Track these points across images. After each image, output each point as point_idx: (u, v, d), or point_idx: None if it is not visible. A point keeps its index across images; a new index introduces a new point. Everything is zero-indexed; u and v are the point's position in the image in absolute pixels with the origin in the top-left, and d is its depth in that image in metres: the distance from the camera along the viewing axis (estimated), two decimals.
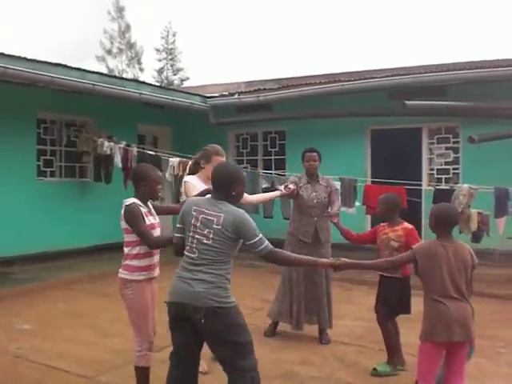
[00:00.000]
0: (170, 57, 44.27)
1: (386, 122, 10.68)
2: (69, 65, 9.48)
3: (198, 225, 3.44)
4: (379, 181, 9.59)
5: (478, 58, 11.83)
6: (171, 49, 44.22)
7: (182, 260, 3.56)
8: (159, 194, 4.20)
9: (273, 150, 12.35)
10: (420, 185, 9.84)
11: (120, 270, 4.10)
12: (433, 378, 3.68)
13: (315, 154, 6.03)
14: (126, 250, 4.09)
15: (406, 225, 4.97)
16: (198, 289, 3.33)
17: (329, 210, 5.80)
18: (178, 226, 3.63)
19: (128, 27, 42.67)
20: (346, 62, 48.51)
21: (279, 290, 6.05)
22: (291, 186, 5.68)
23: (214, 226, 3.39)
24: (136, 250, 4.01)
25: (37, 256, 9.72)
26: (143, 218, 3.99)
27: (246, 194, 5.08)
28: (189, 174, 5.12)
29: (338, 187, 6.23)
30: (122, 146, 10.23)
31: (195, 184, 4.79)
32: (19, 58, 8.62)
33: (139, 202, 4.03)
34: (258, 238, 3.41)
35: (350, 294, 8.03)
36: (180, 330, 3.46)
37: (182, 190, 5.00)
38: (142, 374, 4.05)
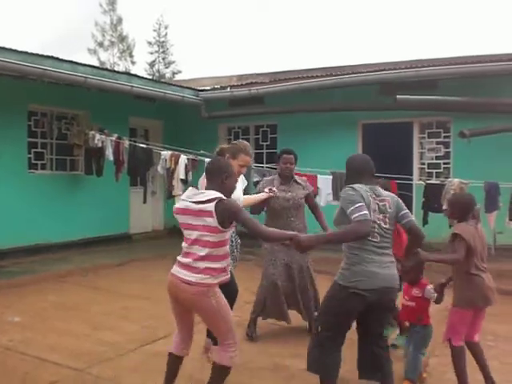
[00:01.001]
0: (161, 50, 44.13)
1: (377, 116, 10.71)
2: (60, 57, 9.44)
3: (376, 209, 3.58)
4: None
5: (469, 52, 11.88)
6: (163, 42, 44.09)
7: (361, 244, 3.56)
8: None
9: (264, 143, 12.35)
10: (411, 179, 9.89)
11: (197, 275, 3.57)
12: (463, 336, 4.23)
13: (292, 156, 5.83)
14: (206, 251, 3.57)
15: None
16: (393, 271, 3.62)
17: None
18: (364, 204, 3.52)
19: (120, 20, 42.51)
20: (338, 56, 48.59)
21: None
22: (274, 189, 5.58)
23: (389, 210, 3.64)
24: (222, 251, 3.62)
25: (28, 248, 9.71)
26: None
27: (243, 196, 5.13)
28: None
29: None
30: (113, 138, 10.19)
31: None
32: (10, 50, 8.57)
33: None
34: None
35: None
36: (355, 314, 3.64)
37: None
38: (227, 373, 3.78)
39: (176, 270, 3.67)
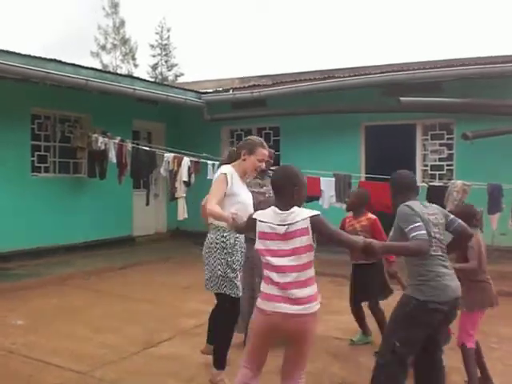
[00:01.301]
0: (164, 52, 44.29)
1: (380, 118, 10.69)
2: (62, 60, 9.46)
3: (431, 224, 3.63)
4: (373, 177, 9.62)
5: (473, 54, 11.86)
6: (165, 44, 44.23)
7: (430, 260, 3.59)
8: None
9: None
10: None
11: (308, 306, 3.14)
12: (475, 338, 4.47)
13: (273, 151, 5.82)
14: (307, 273, 3.18)
15: (370, 215, 5.37)
16: (457, 282, 3.69)
17: None
18: (422, 224, 3.52)
19: (122, 23, 42.73)
20: (341, 58, 48.69)
21: None
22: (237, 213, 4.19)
23: (441, 221, 3.72)
24: (314, 271, 3.24)
25: (31, 252, 9.70)
26: None
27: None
28: (226, 163, 4.63)
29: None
30: (116, 141, 10.21)
31: (232, 178, 4.36)
32: (12, 53, 8.59)
33: None
34: None
35: (342, 289, 8.00)
36: (432, 327, 3.62)
37: (215, 177, 4.45)
38: None
39: (273, 305, 3.16)
